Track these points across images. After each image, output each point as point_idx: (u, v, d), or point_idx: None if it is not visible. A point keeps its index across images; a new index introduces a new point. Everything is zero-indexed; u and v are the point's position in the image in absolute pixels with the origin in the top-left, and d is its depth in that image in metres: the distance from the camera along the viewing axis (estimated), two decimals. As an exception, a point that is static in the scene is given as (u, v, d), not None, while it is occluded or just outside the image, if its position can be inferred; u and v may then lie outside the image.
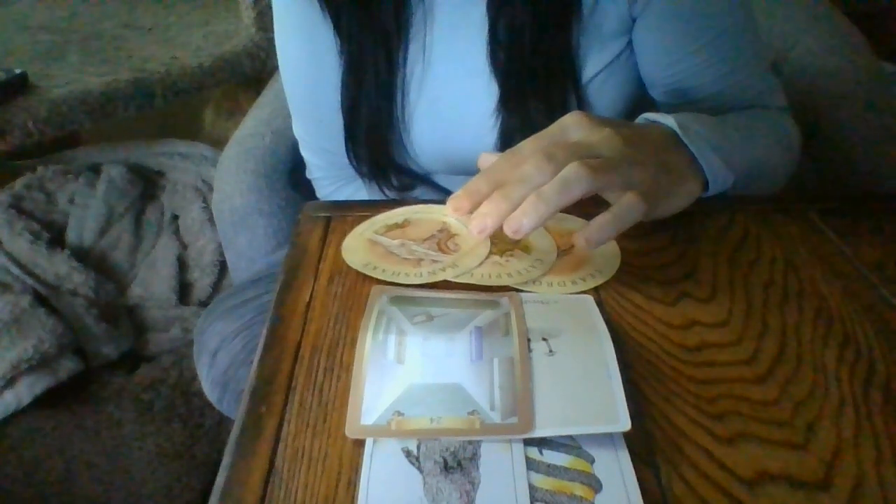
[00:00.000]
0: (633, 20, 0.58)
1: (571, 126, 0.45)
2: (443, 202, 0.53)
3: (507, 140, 0.61)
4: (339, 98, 0.63)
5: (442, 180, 0.74)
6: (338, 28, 0.60)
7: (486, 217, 0.43)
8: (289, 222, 0.82)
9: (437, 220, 0.51)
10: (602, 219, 0.43)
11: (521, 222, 0.41)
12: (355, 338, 0.41)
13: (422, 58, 0.61)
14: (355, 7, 0.59)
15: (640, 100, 0.64)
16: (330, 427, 0.36)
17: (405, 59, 0.61)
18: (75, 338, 1.05)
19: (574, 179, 0.41)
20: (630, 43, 0.59)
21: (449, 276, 0.46)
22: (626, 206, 0.43)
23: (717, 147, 0.50)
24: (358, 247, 0.49)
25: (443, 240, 0.49)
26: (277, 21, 0.66)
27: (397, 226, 0.51)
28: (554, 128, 0.46)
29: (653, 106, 0.65)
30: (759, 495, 0.33)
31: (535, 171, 0.42)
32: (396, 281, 0.46)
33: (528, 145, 0.45)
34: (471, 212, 0.44)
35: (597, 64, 0.59)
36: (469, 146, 0.60)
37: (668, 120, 0.50)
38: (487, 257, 0.47)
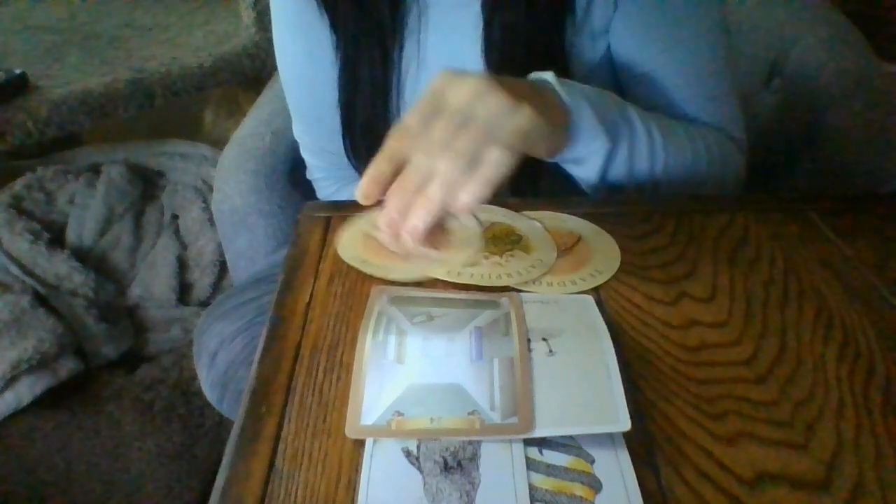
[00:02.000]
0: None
1: (446, 90, 0.43)
2: None
3: None
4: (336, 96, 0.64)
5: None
6: (334, 25, 0.60)
7: (394, 223, 0.41)
8: (289, 222, 0.82)
9: None
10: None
11: (412, 226, 0.40)
12: (355, 338, 0.41)
13: (416, 56, 0.61)
14: (351, 4, 0.59)
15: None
16: (330, 427, 0.36)
17: (400, 57, 0.61)
18: (75, 338, 1.05)
19: (458, 184, 0.39)
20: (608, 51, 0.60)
21: (439, 273, 0.46)
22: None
23: (598, 106, 0.51)
24: (352, 239, 0.49)
25: (435, 235, 0.48)
26: (275, 21, 0.66)
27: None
28: (430, 95, 0.43)
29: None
30: (759, 495, 0.33)
31: (428, 161, 0.40)
32: (386, 277, 0.46)
33: (413, 122, 0.42)
34: (381, 195, 0.42)
35: (588, 63, 0.59)
36: None
37: (547, 74, 0.51)
38: (478, 255, 0.47)
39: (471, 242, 0.48)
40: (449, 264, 0.46)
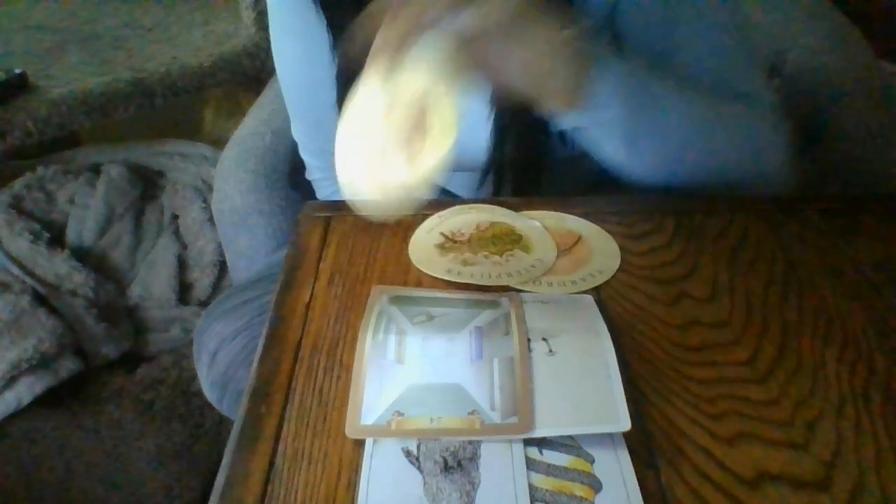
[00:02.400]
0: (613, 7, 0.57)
1: None
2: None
3: (499, 133, 0.61)
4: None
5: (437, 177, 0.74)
6: (331, 24, 0.60)
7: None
8: (289, 222, 0.82)
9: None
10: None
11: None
12: (355, 338, 0.41)
13: None
14: (349, 3, 0.59)
15: None
16: (330, 427, 0.36)
17: None
18: (75, 338, 1.05)
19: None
20: (613, 37, 0.59)
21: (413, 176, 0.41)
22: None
23: (620, 68, 0.49)
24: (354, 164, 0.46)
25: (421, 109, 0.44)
26: (272, 21, 0.66)
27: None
28: None
29: None
30: (759, 495, 0.33)
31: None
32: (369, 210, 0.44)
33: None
34: None
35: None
36: (462, 140, 0.60)
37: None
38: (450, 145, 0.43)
39: (448, 130, 0.44)
40: (426, 157, 0.42)
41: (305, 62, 0.65)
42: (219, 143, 1.27)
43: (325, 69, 0.62)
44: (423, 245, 0.50)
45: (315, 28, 0.61)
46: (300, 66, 0.66)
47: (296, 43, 0.65)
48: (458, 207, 0.54)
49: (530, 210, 0.54)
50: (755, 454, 0.35)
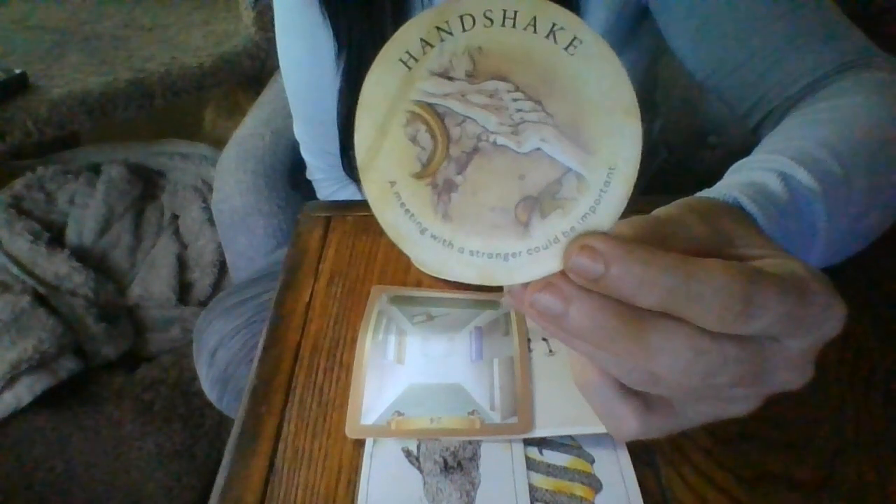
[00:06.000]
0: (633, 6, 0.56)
1: None
2: None
3: None
4: None
5: None
6: (337, 34, 0.59)
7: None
8: (289, 222, 0.82)
9: None
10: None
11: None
12: (355, 338, 0.41)
13: None
14: (355, 14, 0.58)
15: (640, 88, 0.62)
16: (330, 427, 0.36)
17: None
18: (75, 338, 1.05)
19: None
20: (619, 34, 0.58)
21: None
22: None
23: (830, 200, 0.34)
24: None
25: None
26: (279, 23, 0.65)
27: None
28: None
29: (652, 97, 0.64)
30: (759, 495, 0.33)
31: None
32: None
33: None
34: None
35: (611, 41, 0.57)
36: None
37: (732, 191, 0.31)
38: None
39: None
40: None
41: (311, 66, 0.64)
42: (219, 143, 1.27)
43: (330, 75, 0.62)
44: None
45: (322, 34, 0.60)
46: (306, 70, 0.65)
47: (300, 44, 0.64)
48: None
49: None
50: (755, 454, 0.35)
